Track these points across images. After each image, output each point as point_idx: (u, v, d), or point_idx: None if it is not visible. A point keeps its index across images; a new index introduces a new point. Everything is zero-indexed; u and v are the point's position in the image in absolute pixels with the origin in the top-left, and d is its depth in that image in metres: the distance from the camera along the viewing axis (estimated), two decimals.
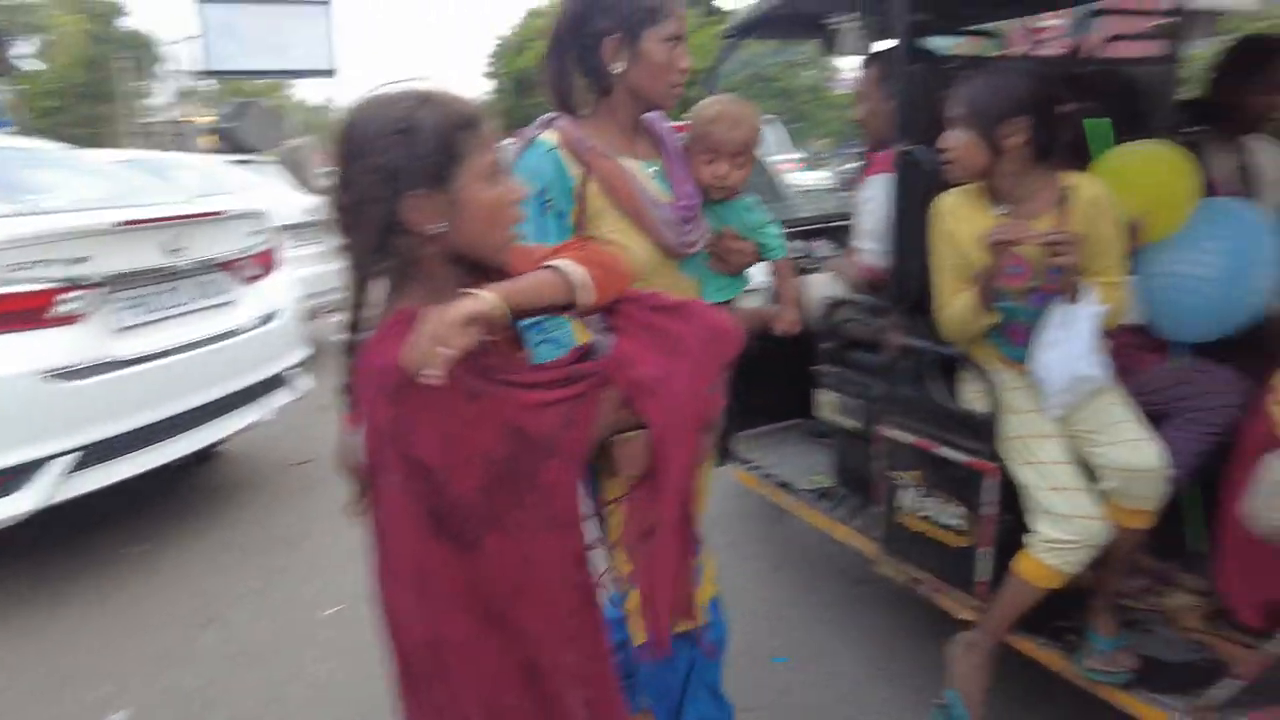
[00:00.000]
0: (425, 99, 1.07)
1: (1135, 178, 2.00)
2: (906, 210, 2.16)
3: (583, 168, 1.57)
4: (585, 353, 1.29)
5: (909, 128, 2.15)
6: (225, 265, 3.70)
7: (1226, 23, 7.32)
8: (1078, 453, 1.89)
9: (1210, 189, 2.20)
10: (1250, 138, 2.44)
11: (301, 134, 14.52)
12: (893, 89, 2.25)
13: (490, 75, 19.60)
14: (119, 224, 3.13)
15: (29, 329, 2.84)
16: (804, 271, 3.27)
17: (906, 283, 2.19)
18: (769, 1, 2.48)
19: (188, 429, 3.38)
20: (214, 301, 3.63)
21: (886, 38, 2.57)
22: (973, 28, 3.07)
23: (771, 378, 3.34)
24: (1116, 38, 2.85)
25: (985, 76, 1.89)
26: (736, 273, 1.84)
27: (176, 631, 2.86)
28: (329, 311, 5.50)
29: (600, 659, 1.24)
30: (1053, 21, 3.61)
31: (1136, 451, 1.82)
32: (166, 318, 3.36)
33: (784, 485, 2.88)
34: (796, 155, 16.83)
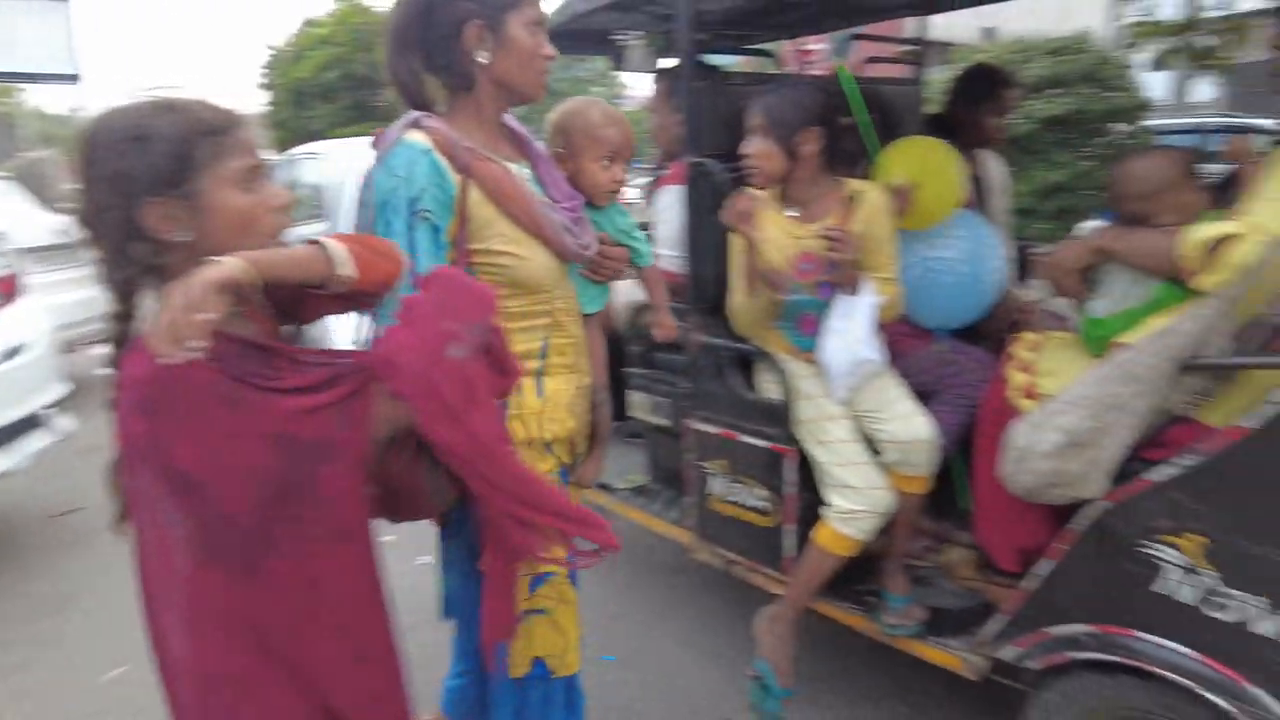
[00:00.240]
0: (167, 106, 1.04)
1: (918, 155, 2.26)
2: (699, 218, 2.29)
3: (460, 174, 1.39)
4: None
5: (696, 140, 2.29)
6: None
7: (957, 53, 8.40)
8: (862, 431, 2.10)
9: None
10: (980, 152, 2.82)
11: (40, 145, 12.81)
12: (680, 104, 2.38)
13: (265, 86, 18.26)
14: None
15: None
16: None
17: (703, 286, 2.33)
18: (556, 17, 2.53)
19: None
20: None
21: (672, 55, 2.71)
22: (750, 47, 3.31)
23: None
24: (871, 60, 3.19)
25: (781, 90, 2.05)
26: (608, 281, 1.79)
27: None
28: (90, 342, 4.92)
29: (396, 692, 1.18)
30: (817, 45, 3.96)
31: (910, 426, 2.04)
32: None
33: (602, 486, 2.94)
34: None
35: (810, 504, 2.12)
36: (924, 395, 2.25)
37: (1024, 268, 2.73)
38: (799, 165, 2.02)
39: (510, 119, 1.58)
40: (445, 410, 1.07)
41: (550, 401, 1.56)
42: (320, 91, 17.11)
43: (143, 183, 1.00)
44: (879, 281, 2.01)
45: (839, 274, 1.97)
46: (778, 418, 2.15)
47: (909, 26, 3.20)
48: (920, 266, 2.16)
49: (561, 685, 1.60)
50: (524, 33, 1.42)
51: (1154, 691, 1.55)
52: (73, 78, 13.23)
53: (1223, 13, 6.54)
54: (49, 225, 5.60)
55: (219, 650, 1.04)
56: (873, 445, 2.08)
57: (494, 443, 1.15)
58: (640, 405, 2.76)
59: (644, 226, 2.10)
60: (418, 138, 1.38)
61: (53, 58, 12.90)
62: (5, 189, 6.68)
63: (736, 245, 2.09)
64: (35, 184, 7.53)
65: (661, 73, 2.84)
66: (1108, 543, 1.56)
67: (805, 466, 2.13)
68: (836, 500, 2.03)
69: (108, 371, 1.06)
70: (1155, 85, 8.48)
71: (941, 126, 2.77)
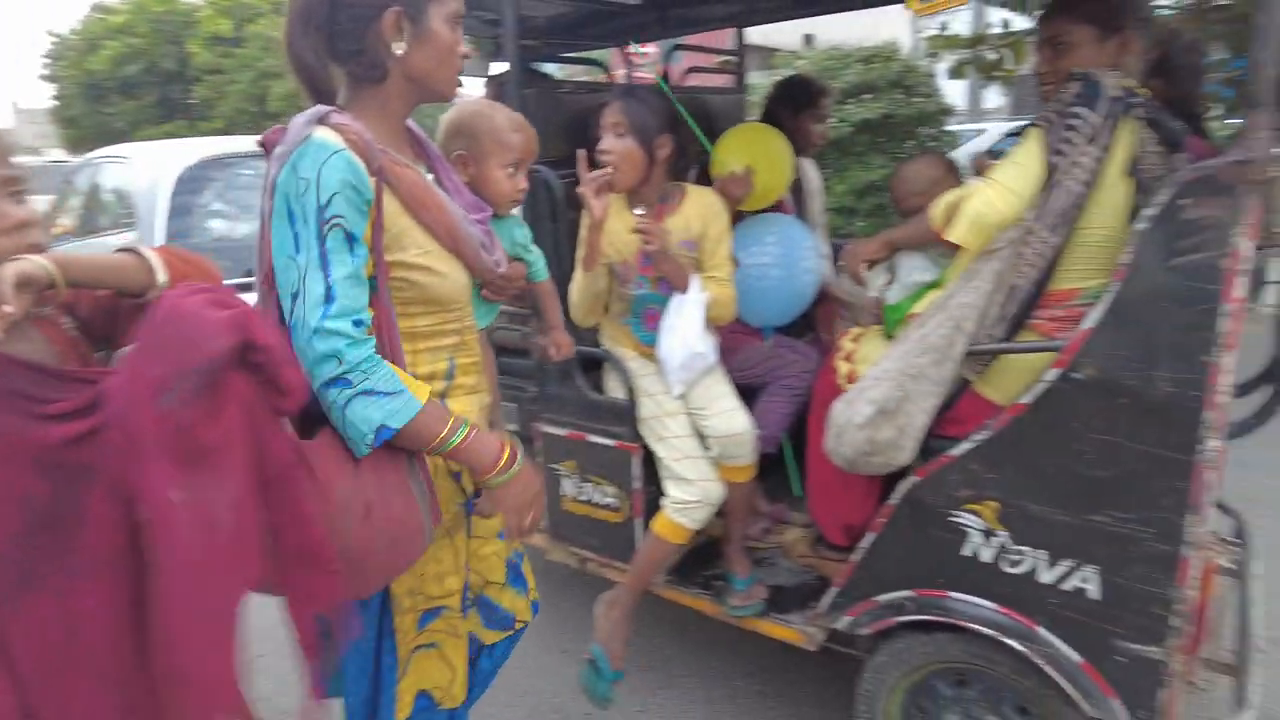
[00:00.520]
0: None
1: (750, 139, 2.40)
2: (537, 224, 2.31)
3: (375, 177, 1.22)
4: None
5: None
6: None
7: (779, 58, 8.90)
8: (695, 426, 2.20)
9: None
10: (799, 160, 3.00)
11: None
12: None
13: (50, 78, 16.47)
14: None
15: None
16: None
17: None
18: None
19: None
20: None
21: (500, 60, 2.71)
22: (579, 55, 3.36)
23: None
24: (693, 70, 3.32)
25: (639, 96, 2.11)
26: (506, 300, 1.66)
27: None
28: None
29: None
30: (647, 50, 4.07)
31: (731, 421, 2.16)
32: None
33: None
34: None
35: (656, 498, 2.20)
36: (756, 388, 2.39)
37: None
38: (654, 168, 2.11)
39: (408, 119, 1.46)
40: (142, 454, 0.94)
41: None
42: (120, 86, 15.70)
43: None
44: (711, 280, 2.11)
45: (660, 268, 2.06)
46: (623, 417, 2.21)
47: (730, 36, 3.36)
48: (739, 273, 2.29)
49: (445, 716, 1.54)
50: (444, 26, 1.30)
51: (966, 643, 1.74)
52: None
53: (1003, 30, 7.29)
54: None
55: None
56: (703, 440, 2.18)
57: (234, 498, 1.00)
58: None
59: None
60: (327, 136, 1.19)
61: None
62: None
63: (582, 228, 2.13)
64: None
65: (491, 79, 2.83)
66: (920, 514, 1.73)
67: (649, 462, 2.21)
68: (673, 491, 2.13)
69: None
70: (955, 92, 9.31)
71: None
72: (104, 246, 4.45)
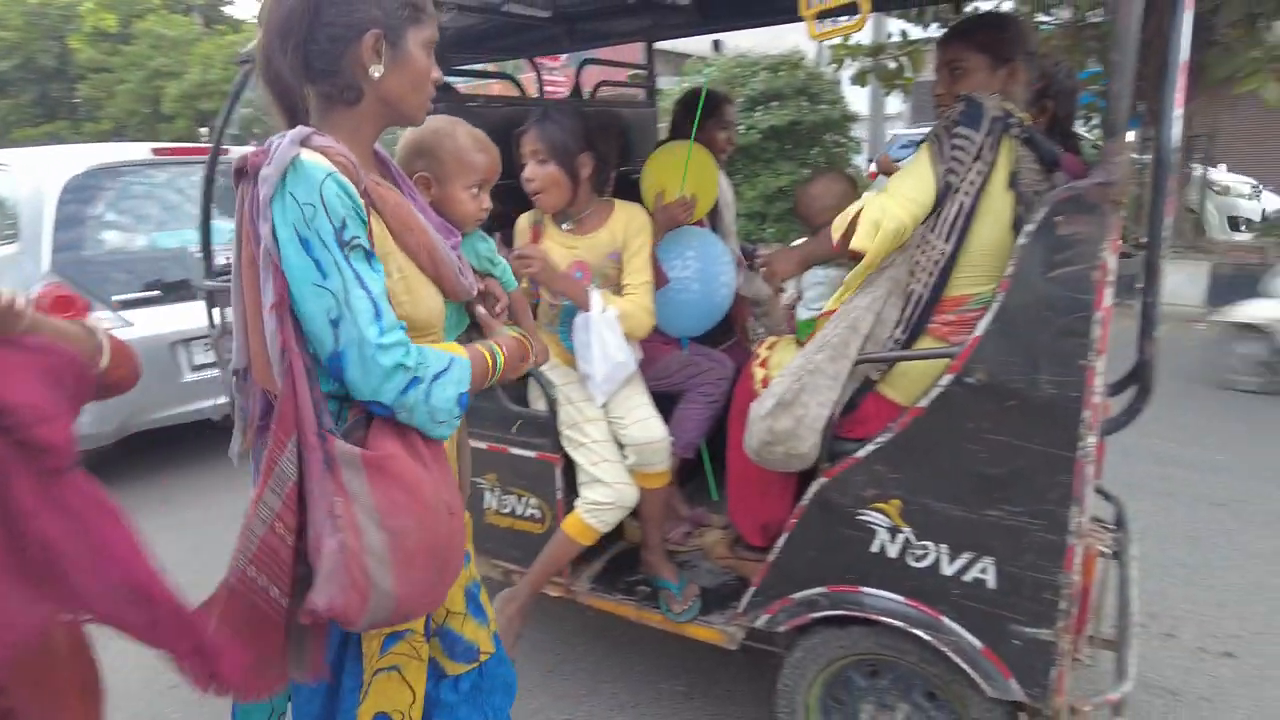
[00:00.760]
0: None
1: (681, 160, 2.45)
2: None
3: (363, 199, 1.22)
4: None
5: None
6: None
7: (690, 66, 9.04)
8: (613, 433, 2.24)
9: None
10: None
11: None
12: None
13: None
14: None
15: None
16: None
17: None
18: None
19: None
20: None
21: None
22: (488, 70, 3.35)
23: None
24: (603, 83, 3.36)
25: (554, 120, 2.13)
26: (498, 316, 1.63)
27: None
28: None
29: None
30: (559, 63, 4.08)
31: (646, 429, 2.22)
32: None
33: None
34: None
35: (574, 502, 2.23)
36: (674, 396, 2.45)
37: (753, 267, 3.04)
38: (579, 187, 2.15)
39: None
40: None
41: None
42: None
43: None
44: (627, 293, 2.16)
45: (553, 288, 2.12)
46: (545, 428, 2.23)
47: (641, 49, 3.41)
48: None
49: None
50: (421, 51, 1.30)
51: (878, 636, 1.83)
52: None
53: (902, 40, 7.60)
54: None
55: None
56: (621, 448, 2.23)
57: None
58: None
59: None
60: (315, 158, 1.17)
61: None
62: None
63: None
64: None
65: None
66: (830, 513, 1.81)
67: (570, 472, 2.23)
68: (587, 494, 2.17)
69: None
70: (859, 100, 9.65)
71: None
72: None
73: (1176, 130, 1.66)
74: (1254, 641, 2.68)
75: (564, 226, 2.23)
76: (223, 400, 3.95)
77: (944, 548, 1.68)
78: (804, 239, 2.36)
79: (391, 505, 1.16)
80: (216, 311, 3.01)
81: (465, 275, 1.43)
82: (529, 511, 2.32)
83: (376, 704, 1.43)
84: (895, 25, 8.10)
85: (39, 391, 1.06)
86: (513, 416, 2.29)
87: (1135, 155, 5.53)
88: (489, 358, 1.38)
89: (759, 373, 2.17)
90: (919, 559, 1.71)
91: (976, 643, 1.67)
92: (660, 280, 2.27)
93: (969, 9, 3.04)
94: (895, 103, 11.98)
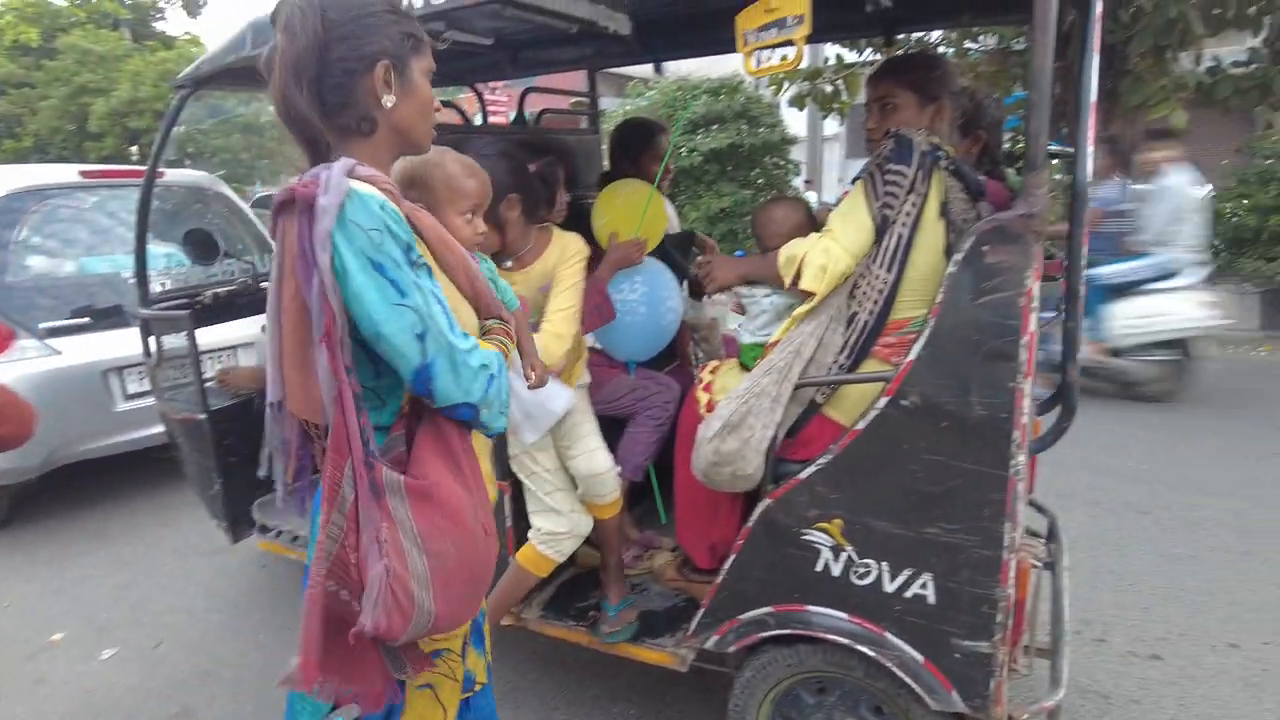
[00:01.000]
0: None
1: (630, 199, 2.48)
2: None
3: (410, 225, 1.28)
4: None
5: None
6: None
7: (633, 88, 9.15)
8: (563, 461, 2.25)
9: None
10: None
11: None
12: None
13: None
14: None
15: None
16: None
17: None
18: (224, 57, 2.38)
19: None
20: None
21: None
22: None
23: None
24: (545, 112, 3.39)
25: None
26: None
27: None
28: None
29: None
30: (500, 84, 4.10)
31: (591, 461, 2.23)
32: None
33: None
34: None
35: (524, 529, 2.23)
36: (622, 420, 2.47)
37: (693, 289, 3.08)
38: (508, 228, 2.14)
39: None
40: None
41: None
42: None
43: None
44: (545, 321, 2.14)
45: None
46: (496, 456, 2.23)
47: (584, 77, 3.46)
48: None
49: None
50: (423, 80, 1.34)
51: (825, 653, 1.87)
52: None
53: (838, 64, 7.83)
54: None
55: None
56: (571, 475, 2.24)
57: None
58: None
59: None
60: (365, 188, 1.21)
61: None
62: None
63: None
64: None
65: None
66: (775, 534, 1.85)
67: (518, 498, 2.24)
68: (540, 523, 2.17)
69: None
70: (797, 123, 9.88)
71: (615, 174, 3.03)
72: None
73: (1089, 165, 1.75)
74: (1178, 643, 2.81)
75: (506, 265, 2.23)
76: (159, 430, 3.82)
77: (885, 565, 1.73)
78: (746, 255, 2.42)
79: (434, 530, 1.22)
80: (153, 340, 2.94)
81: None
82: None
83: None
84: (831, 50, 8.36)
85: None
86: None
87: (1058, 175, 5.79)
88: (506, 354, 1.43)
89: (703, 396, 2.20)
90: (862, 576, 1.76)
91: (919, 657, 1.72)
92: (607, 314, 2.28)
93: (899, 38, 3.16)
94: (832, 125, 12.28)
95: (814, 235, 1.91)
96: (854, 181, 1.88)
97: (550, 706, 2.55)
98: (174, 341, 2.94)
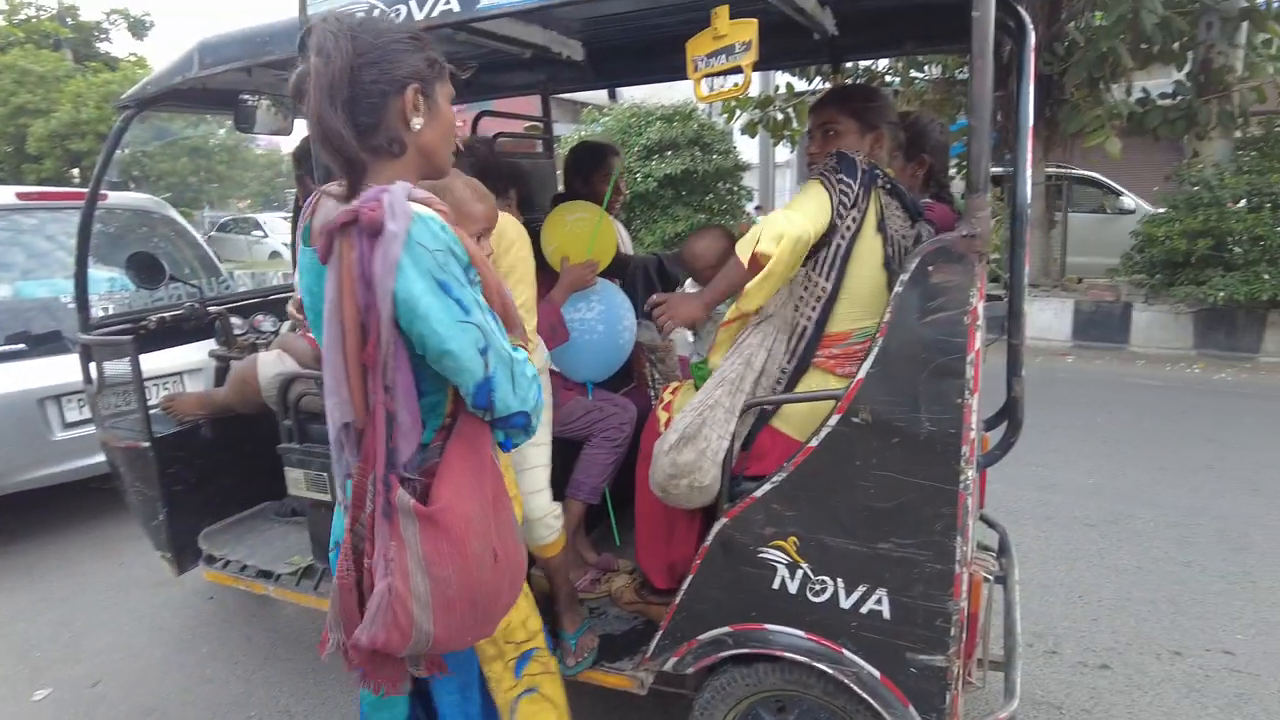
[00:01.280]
0: None
1: (579, 222, 2.47)
2: None
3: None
4: None
5: None
6: None
7: (587, 114, 9.23)
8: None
9: None
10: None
11: None
12: (309, 169, 2.37)
13: None
14: None
15: None
16: (253, 348, 3.15)
17: None
18: (172, 77, 2.35)
19: None
20: None
21: (300, 117, 2.65)
22: None
23: (231, 465, 3.13)
24: (499, 135, 3.40)
25: None
26: None
27: None
28: None
29: None
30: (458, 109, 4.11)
31: (530, 503, 2.17)
32: None
33: (264, 574, 2.73)
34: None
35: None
36: (579, 441, 2.46)
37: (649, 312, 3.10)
38: None
39: None
40: None
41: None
42: None
43: None
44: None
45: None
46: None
47: (538, 101, 3.48)
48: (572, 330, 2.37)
49: None
50: (447, 105, 1.38)
51: (783, 671, 1.87)
52: None
53: (788, 92, 8.01)
54: None
55: None
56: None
57: None
58: (298, 481, 2.62)
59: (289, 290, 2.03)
60: (424, 210, 1.24)
61: None
62: None
63: None
64: None
65: (304, 140, 2.77)
66: (731, 553, 1.85)
67: None
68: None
69: None
70: (749, 149, 10.06)
71: (569, 196, 3.05)
72: None
73: (1028, 188, 1.82)
74: (1125, 652, 2.87)
75: None
76: (99, 459, 3.69)
77: (840, 581, 1.74)
78: (699, 289, 2.43)
79: (438, 555, 1.24)
80: (94, 366, 2.85)
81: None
82: None
83: None
84: (782, 79, 8.55)
85: None
86: None
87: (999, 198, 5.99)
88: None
89: (664, 415, 2.21)
90: (818, 593, 1.77)
91: (875, 673, 1.73)
92: (561, 336, 2.28)
93: (847, 66, 3.24)
94: (784, 152, 12.53)
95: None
96: (810, 179, 1.92)
97: None
98: (116, 368, 2.86)
